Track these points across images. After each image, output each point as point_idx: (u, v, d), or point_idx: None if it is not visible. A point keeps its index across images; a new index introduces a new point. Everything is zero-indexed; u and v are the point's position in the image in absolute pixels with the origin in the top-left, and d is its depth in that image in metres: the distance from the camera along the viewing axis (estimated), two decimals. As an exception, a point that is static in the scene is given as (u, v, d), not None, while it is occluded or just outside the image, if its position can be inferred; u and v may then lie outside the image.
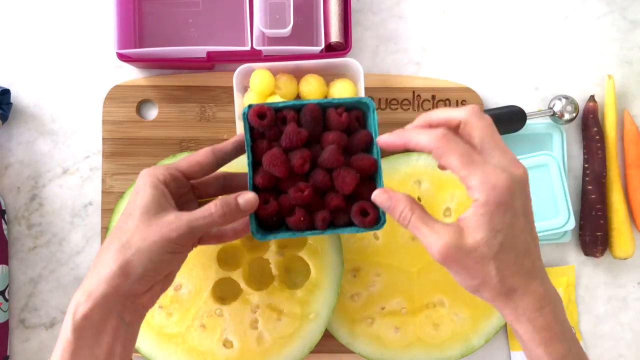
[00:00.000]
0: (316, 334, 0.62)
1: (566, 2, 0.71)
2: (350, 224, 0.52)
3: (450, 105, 0.68)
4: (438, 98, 0.68)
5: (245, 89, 0.65)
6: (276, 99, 0.62)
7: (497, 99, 0.70)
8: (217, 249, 0.62)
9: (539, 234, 0.66)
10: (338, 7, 0.66)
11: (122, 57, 0.63)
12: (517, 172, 0.42)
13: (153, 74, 0.68)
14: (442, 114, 0.46)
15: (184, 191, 0.52)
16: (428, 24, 0.70)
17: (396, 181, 0.65)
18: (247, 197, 0.49)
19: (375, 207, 0.51)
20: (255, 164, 0.52)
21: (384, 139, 0.48)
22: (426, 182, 0.65)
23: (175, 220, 0.46)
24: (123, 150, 0.66)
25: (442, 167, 0.46)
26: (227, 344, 0.61)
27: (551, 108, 0.68)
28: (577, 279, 0.69)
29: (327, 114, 0.53)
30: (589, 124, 0.69)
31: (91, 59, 0.68)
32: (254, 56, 0.64)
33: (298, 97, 0.65)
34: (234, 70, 0.63)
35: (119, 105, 0.67)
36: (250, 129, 0.52)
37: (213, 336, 0.61)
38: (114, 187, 0.66)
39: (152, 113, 0.68)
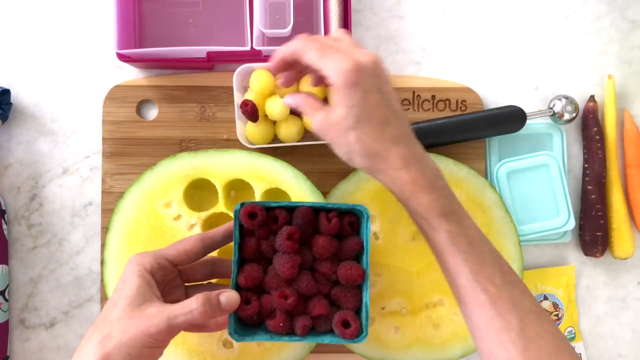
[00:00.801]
0: (316, 334, 0.62)
1: (566, 2, 0.71)
2: (331, 331, 0.53)
3: (450, 105, 0.68)
4: (438, 98, 0.68)
5: (245, 89, 0.65)
6: (276, 99, 0.62)
7: (497, 99, 0.70)
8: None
9: (539, 234, 0.67)
10: (338, 7, 0.66)
11: (122, 57, 0.63)
12: (364, 59, 0.48)
13: (153, 74, 0.68)
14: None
15: (171, 277, 0.53)
16: (428, 24, 0.70)
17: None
18: (229, 297, 0.50)
19: (357, 318, 0.52)
20: (241, 261, 0.53)
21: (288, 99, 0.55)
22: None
23: (157, 315, 0.47)
24: (123, 150, 0.66)
25: (315, 84, 0.57)
26: (227, 344, 0.61)
27: (551, 108, 0.68)
28: (577, 279, 0.70)
29: (319, 218, 0.54)
30: (589, 124, 0.69)
31: (91, 59, 0.68)
32: (254, 56, 0.64)
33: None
34: (234, 70, 0.63)
35: (119, 105, 0.67)
36: (240, 226, 0.52)
37: (213, 336, 0.61)
38: (114, 187, 0.66)
39: (152, 113, 0.68)
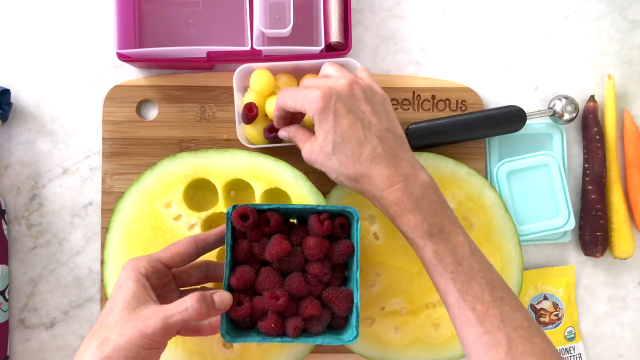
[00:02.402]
0: (316, 334, 0.62)
1: (566, 2, 0.71)
2: (323, 332, 0.54)
3: (450, 105, 0.68)
4: (438, 98, 0.68)
5: (245, 89, 0.65)
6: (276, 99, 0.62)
7: (497, 99, 0.70)
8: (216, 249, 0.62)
9: (539, 234, 0.67)
10: (338, 7, 0.66)
11: (122, 57, 0.63)
12: (336, 84, 0.51)
13: (153, 74, 0.68)
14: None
15: (166, 281, 0.53)
16: (428, 24, 0.70)
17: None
18: (222, 296, 0.50)
19: (346, 318, 0.54)
20: (234, 263, 0.53)
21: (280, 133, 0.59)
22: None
23: (152, 315, 0.47)
24: (123, 150, 0.66)
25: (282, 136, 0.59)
26: (226, 344, 0.61)
27: (551, 108, 0.68)
28: (577, 279, 0.70)
29: (310, 220, 0.54)
30: (589, 124, 0.69)
31: (91, 59, 0.68)
32: (254, 56, 0.64)
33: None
34: (234, 70, 0.63)
35: (119, 105, 0.67)
36: (232, 228, 0.53)
37: (213, 336, 0.61)
38: (114, 187, 0.66)
39: (152, 113, 0.68)
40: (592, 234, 0.67)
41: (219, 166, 0.63)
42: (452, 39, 0.70)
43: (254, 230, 0.53)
